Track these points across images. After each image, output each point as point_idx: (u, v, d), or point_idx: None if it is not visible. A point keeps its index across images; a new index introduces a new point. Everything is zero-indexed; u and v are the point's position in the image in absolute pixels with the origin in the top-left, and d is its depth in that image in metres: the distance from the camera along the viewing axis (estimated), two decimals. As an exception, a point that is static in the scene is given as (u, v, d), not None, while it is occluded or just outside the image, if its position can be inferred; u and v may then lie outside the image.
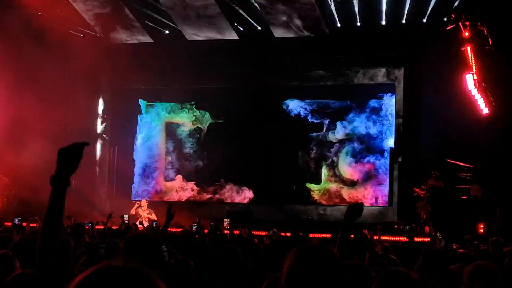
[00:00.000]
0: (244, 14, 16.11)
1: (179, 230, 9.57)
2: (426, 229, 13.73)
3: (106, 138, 19.33)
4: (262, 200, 17.96)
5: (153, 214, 15.11)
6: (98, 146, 19.23)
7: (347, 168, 17.83)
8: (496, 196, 13.73)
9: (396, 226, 14.63)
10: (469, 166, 14.31)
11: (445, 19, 14.74)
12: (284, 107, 18.35)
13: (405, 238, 12.04)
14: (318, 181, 17.94)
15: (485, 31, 12.57)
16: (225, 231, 10.15)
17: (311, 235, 9.21)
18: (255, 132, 18.29)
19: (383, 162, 17.42)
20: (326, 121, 18.02)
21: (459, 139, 14.69)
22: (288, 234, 10.35)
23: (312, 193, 17.85)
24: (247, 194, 18.26)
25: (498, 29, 12.59)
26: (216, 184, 18.58)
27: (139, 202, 15.70)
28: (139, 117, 19.64)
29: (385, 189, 17.31)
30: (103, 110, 19.53)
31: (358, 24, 16.14)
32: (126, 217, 10.73)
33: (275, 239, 8.12)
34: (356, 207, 3.18)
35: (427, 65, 16.01)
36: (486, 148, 13.94)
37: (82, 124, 18.11)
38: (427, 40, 15.62)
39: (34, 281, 2.65)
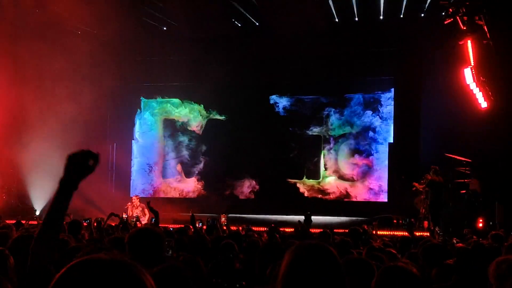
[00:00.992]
0: (242, 10, 16.08)
1: (178, 226, 9.57)
2: (425, 223, 13.75)
3: (105, 134, 19.30)
4: (261, 196, 17.96)
5: (145, 210, 15.07)
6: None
7: (345, 163, 17.83)
8: (495, 190, 13.73)
9: (395, 221, 14.68)
10: (468, 160, 14.31)
11: (443, 13, 14.72)
12: (282, 102, 18.33)
13: (403, 233, 12.07)
14: (316, 176, 17.94)
15: (483, 25, 12.54)
16: (224, 227, 10.14)
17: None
18: (254, 128, 18.27)
19: (382, 157, 17.41)
20: (324, 117, 18.01)
21: (457, 133, 14.69)
22: (287, 230, 10.37)
23: (310, 188, 17.85)
24: (246, 190, 18.25)
25: (496, 23, 12.56)
26: (215, 180, 18.58)
27: (130, 202, 15.54)
28: (137, 114, 19.61)
29: (384, 184, 17.32)
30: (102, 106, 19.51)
31: (356, 19, 16.12)
32: (125, 216, 10.76)
33: (275, 234, 8.12)
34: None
35: (425, 60, 16.01)
36: (485, 142, 13.93)
37: (83, 122, 18.13)
38: (425, 35, 15.60)
39: None
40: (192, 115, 19.11)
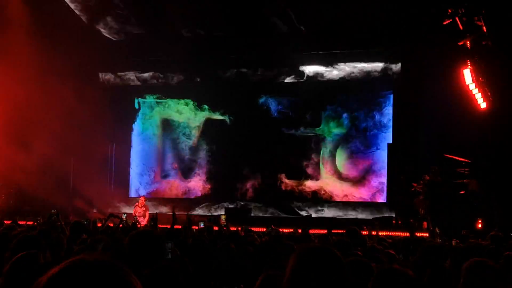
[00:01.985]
0: (242, 10, 16.09)
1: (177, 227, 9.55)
2: (425, 224, 13.75)
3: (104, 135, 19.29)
4: (260, 196, 17.96)
5: (147, 212, 15.13)
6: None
7: (345, 164, 17.82)
8: (494, 190, 13.74)
9: (394, 222, 14.69)
10: (467, 161, 14.31)
11: (442, 13, 14.72)
12: (281, 102, 18.32)
13: (400, 233, 12.08)
14: (315, 177, 17.93)
15: (482, 26, 12.54)
16: (224, 228, 10.14)
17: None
18: (254, 127, 18.27)
19: (381, 158, 17.40)
20: (324, 117, 18.00)
21: (457, 133, 14.69)
22: (286, 230, 10.37)
23: (309, 189, 17.85)
24: (246, 190, 18.23)
25: (495, 23, 12.57)
26: (215, 180, 18.58)
27: (137, 202, 15.74)
28: (136, 114, 19.60)
29: (383, 184, 17.31)
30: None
31: (355, 17, 16.09)
32: (124, 216, 10.75)
33: (274, 235, 8.12)
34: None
35: (425, 60, 16.00)
36: (484, 142, 13.94)
37: (83, 122, 18.14)
38: (424, 35, 15.59)
39: None
40: (191, 115, 19.08)
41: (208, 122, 18.91)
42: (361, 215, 16.50)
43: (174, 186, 19.03)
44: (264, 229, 11.02)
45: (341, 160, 17.86)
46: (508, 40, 12.73)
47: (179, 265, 3.66)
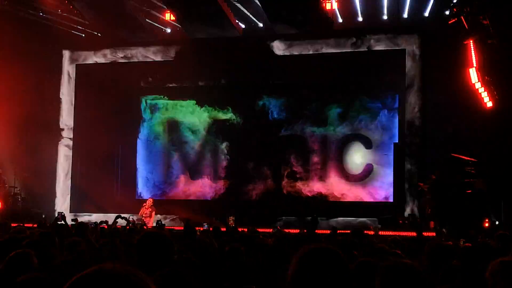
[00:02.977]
0: (246, 11, 16.11)
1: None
2: (431, 224, 13.71)
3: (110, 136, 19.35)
4: (266, 197, 17.94)
5: (153, 213, 15.18)
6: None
7: (351, 164, 17.78)
8: (501, 189, 13.68)
9: (400, 221, 14.64)
10: (474, 160, 14.26)
11: (447, 13, 14.69)
12: (285, 103, 18.31)
13: (409, 233, 12.04)
14: (321, 177, 17.90)
15: (488, 25, 12.51)
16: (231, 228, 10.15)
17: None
18: (260, 129, 18.26)
19: (387, 158, 17.35)
20: (328, 117, 17.97)
21: (463, 133, 14.65)
22: (292, 231, 10.37)
23: (315, 189, 17.82)
24: (252, 191, 18.22)
25: (500, 22, 12.53)
26: (222, 181, 18.57)
27: (145, 203, 15.83)
28: (142, 115, 19.61)
29: (390, 184, 17.25)
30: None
31: (360, 19, 16.10)
32: (132, 218, 10.81)
33: (279, 237, 8.12)
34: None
35: (430, 60, 15.96)
36: (491, 141, 13.89)
37: (89, 124, 18.22)
38: (429, 34, 15.56)
39: None
40: (198, 116, 19.06)
41: (214, 122, 18.88)
42: (367, 216, 16.44)
43: (181, 187, 19.02)
44: (270, 230, 11.04)
45: (348, 160, 17.82)
46: (513, 39, 12.69)
47: (187, 268, 3.67)
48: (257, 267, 4.47)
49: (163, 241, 3.02)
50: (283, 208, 17.31)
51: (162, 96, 19.43)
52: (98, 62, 18.70)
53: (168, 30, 17.79)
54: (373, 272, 2.88)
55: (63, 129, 18.67)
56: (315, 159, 17.99)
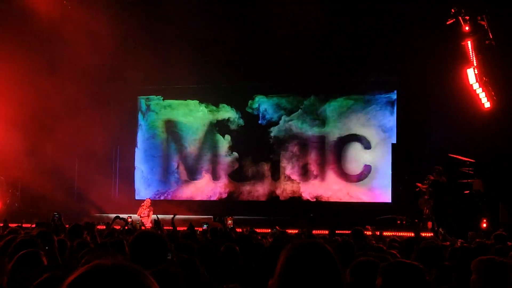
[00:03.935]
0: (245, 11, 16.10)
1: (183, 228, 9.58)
2: (429, 224, 13.72)
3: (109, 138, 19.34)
4: (264, 197, 17.96)
5: (151, 213, 15.18)
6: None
7: (349, 164, 17.80)
8: (499, 190, 13.70)
9: (398, 222, 14.65)
10: (471, 160, 14.28)
11: (445, 13, 14.69)
12: (283, 103, 18.33)
13: (407, 233, 12.06)
14: (319, 177, 17.92)
15: (485, 25, 12.53)
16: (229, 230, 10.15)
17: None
18: (260, 129, 18.28)
19: (385, 157, 17.37)
20: (327, 117, 17.99)
21: (461, 133, 14.66)
22: (290, 231, 10.37)
23: (313, 189, 17.84)
24: (251, 192, 18.24)
25: (498, 23, 12.55)
26: (220, 181, 18.59)
27: (143, 203, 15.82)
28: (140, 115, 19.62)
29: (387, 184, 17.28)
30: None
31: (358, 18, 16.08)
32: (130, 219, 10.81)
33: (278, 236, 8.13)
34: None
35: (428, 60, 15.97)
36: (488, 142, 13.91)
37: (87, 126, 18.19)
38: (428, 35, 15.56)
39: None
40: (196, 116, 19.07)
41: (213, 122, 18.89)
42: (364, 215, 16.45)
43: (180, 188, 19.04)
44: (269, 230, 11.04)
45: (345, 160, 17.84)
46: (510, 39, 12.71)
47: (180, 267, 3.67)
48: (253, 267, 4.48)
49: (156, 240, 3.03)
50: (281, 208, 17.32)
51: (160, 96, 19.44)
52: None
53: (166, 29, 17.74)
54: (373, 272, 2.89)
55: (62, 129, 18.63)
56: (312, 158, 18.01)
